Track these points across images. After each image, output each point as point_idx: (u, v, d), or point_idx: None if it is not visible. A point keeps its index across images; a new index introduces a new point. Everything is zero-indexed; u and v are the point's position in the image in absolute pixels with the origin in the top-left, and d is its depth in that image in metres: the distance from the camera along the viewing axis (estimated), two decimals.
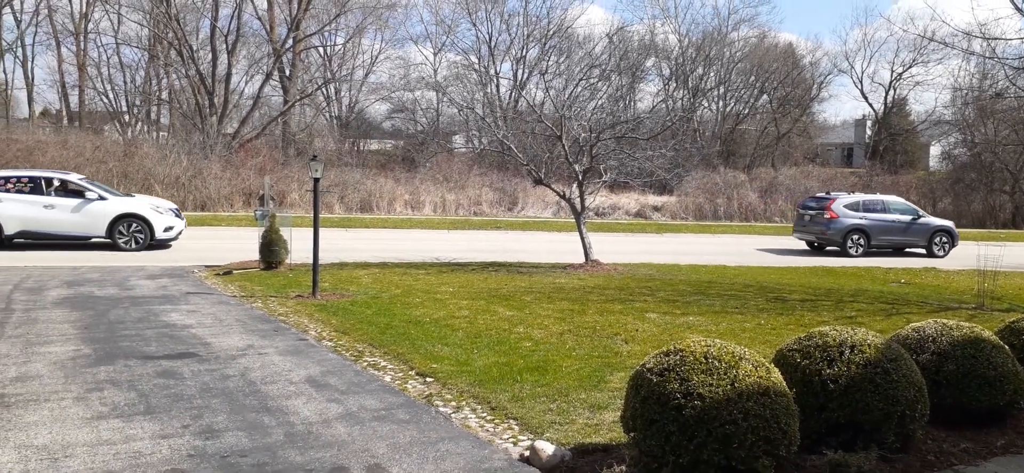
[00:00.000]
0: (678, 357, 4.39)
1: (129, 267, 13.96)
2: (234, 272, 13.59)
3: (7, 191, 16.07)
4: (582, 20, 70.48)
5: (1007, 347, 5.66)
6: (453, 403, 6.01)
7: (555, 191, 17.15)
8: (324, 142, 41.01)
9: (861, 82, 52.81)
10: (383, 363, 7.21)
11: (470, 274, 14.06)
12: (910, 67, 49.76)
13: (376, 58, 46.18)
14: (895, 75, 50.47)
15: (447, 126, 46.76)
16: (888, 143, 50.55)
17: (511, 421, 5.59)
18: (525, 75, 47.12)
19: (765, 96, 51.02)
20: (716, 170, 40.44)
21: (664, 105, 46.68)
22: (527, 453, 4.90)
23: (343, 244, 18.73)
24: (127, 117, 41.67)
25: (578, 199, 16.37)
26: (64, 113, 42.12)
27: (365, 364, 7.17)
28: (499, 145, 18.16)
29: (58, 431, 5.13)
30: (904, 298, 12.66)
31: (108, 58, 41.57)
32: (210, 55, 37.29)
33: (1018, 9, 14.24)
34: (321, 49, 43.88)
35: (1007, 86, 29.46)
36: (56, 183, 16.70)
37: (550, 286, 12.61)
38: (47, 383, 6.26)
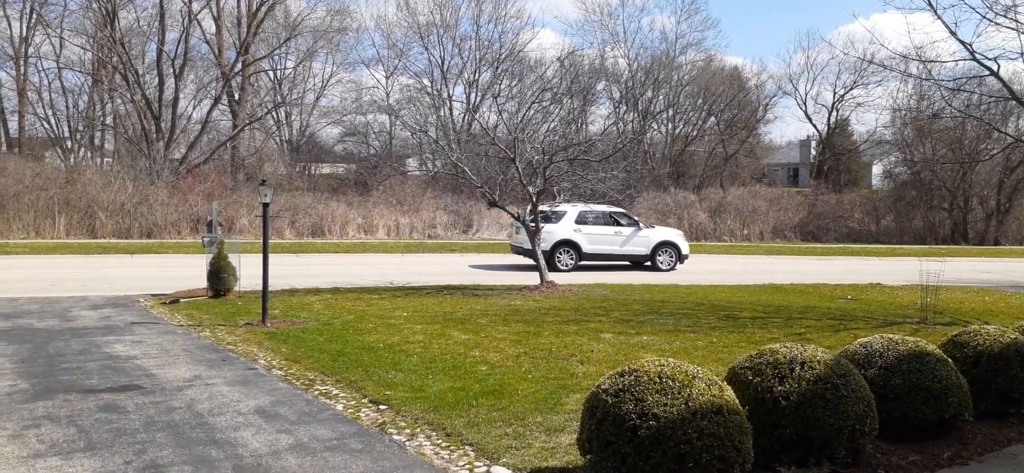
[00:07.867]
0: (633, 377, 4.40)
1: (70, 298, 13.52)
2: (181, 301, 13.25)
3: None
4: (534, 44, 71.25)
5: (950, 360, 5.81)
6: (407, 430, 5.92)
7: (509, 213, 17.16)
8: (274, 166, 40.40)
9: (805, 104, 54.47)
10: (335, 391, 7.08)
11: (424, 298, 13.95)
12: (851, 89, 51.47)
13: (327, 81, 45.83)
14: (837, 97, 52.12)
15: (400, 149, 46.57)
16: (832, 163, 51.98)
17: (467, 447, 5.53)
18: (478, 98, 47.28)
19: (713, 118, 52.01)
20: (667, 191, 41.02)
21: (615, 127, 47.22)
22: None
23: (294, 270, 18.44)
24: (70, 143, 40.51)
25: (533, 221, 16.41)
26: (3, 139, 40.77)
27: (317, 393, 7.02)
28: (453, 168, 18.10)
29: None
30: (851, 314, 12.94)
31: (50, 83, 40.47)
32: (156, 79, 36.57)
33: (952, 33, 14.75)
34: (271, 73, 43.45)
35: (943, 107, 30.55)
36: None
37: (505, 308, 12.57)
38: None
